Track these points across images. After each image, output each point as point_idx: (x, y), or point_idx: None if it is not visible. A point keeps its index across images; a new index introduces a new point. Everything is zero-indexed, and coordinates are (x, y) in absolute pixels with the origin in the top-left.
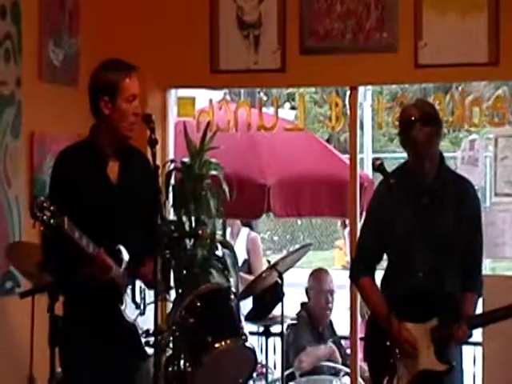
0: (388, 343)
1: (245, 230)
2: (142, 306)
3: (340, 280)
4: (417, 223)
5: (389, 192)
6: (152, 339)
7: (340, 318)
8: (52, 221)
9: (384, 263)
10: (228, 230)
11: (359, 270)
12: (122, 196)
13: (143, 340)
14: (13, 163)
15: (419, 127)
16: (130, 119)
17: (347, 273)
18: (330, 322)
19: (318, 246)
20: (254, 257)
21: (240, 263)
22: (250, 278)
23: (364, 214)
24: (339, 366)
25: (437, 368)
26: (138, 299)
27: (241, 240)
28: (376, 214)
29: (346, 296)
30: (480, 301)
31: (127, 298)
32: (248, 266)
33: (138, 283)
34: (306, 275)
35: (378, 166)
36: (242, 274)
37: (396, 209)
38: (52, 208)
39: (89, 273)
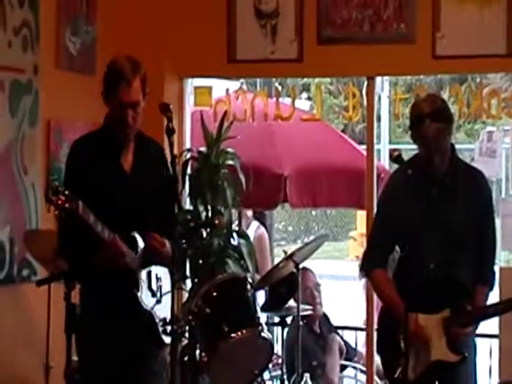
0: (401, 335)
1: (254, 225)
2: (158, 294)
3: (355, 271)
4: (429, 215)
5: (405, 183)
6: (169, 328)
7: (355, 309)
8: (67, 205)
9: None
10: None
11: (371, 261)
12: (136, 185)
13: (160, 328)
14: (29, 151)
15: (428, 123)
16: (118, 126)
17: None
18: (326, 316)
19: (333, 237)
20: (260, 255)
21: None
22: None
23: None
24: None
25: (449, 359)
26: (154, 287)
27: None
28: (389, 205)
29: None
30: (497, 293)
31: (143, 285)
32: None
33: (154, 271)
34: (321, 266)
35: (396, 157)
36: None
37: (409, 200)
38: (67, 192)
39: (103, 258)
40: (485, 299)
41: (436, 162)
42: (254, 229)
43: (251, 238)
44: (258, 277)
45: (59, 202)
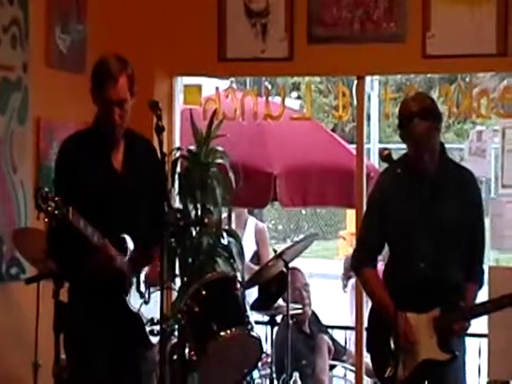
0: (391, 333)
1: (252, 220)
2: (146, 295)
3: None
4: (418, 213)
5: (394, 181)
6: (157, 328)
7: (343, 307)
8: (57, 211)
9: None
10: (233, 219)
11: (361, 260)
12: (126, 184)
13: (147, 329)
14: (19, 149)
15: (418, 122)
16: (106, 124)
17: None
18: (315, 315)
19: (322, 236)
20: (262, 248)
21: (250, 254)
22: (256, 267)
23: (366, 203)
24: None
25: (439, 358)
26: (142, 288)
27: (249, 230)
28: (378, 203)
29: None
30: (485, 292)
31: (132, 288)
32: (257, 257)
33: (143, 272)
34: (310, 265)
35: (385, 156)
36: (251, 265)
37: (399, 199)
38: (56, 199)
39: (93, 263)
40: (474, 298)
41: (425, 161)
42: (253, 224)
43: (252, 232)
44: (255, 267)
45: (49, 209)
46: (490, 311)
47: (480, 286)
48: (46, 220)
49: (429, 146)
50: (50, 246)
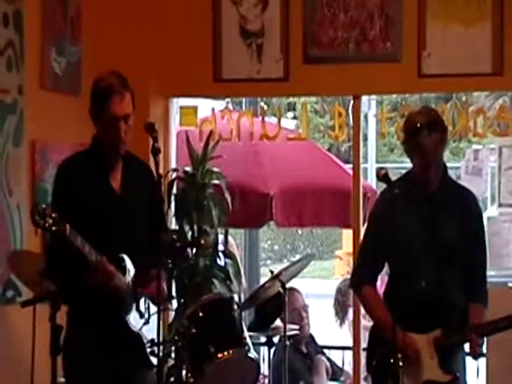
0: (391, 353)
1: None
2: (146, 315)
3: None
4: (420, 233)
5: (392, 201)
6: (157, 349)
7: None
8: (54, 228)
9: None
10: None
11: (361, 279)
12: (125, 205)
13: (148, 350)
14: (14, 171)
15: (426, 134)
16: (111, 141)
17: None
18: (312, 337)
19: (319, 256)
20: None
21: None
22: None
23: (366, 223)
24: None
25: (441, 379)
26: (142, 308)
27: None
28: (378, 223)
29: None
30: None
31: (132, 307)
32: None
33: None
34: (307, 285)
35: (382, 176)
36: None
37: (399, 218)
38: (53, 215)
39: (92, 280)
40: (482, 318)
41: (431, 174)
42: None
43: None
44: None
45: (46, 224)
46: (495, 332)
47: (485, 306)
48: (46, 233)
49: (436, 158)
50: (48, 262)
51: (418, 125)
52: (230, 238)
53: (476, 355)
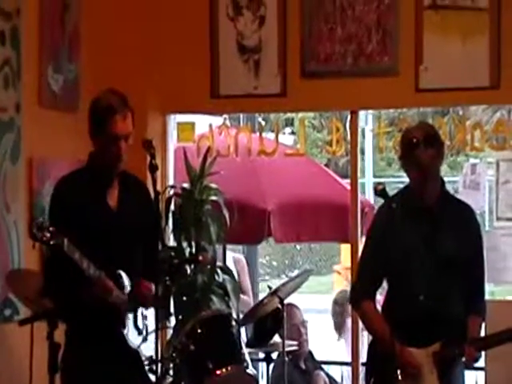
0: (391, 368)
1: (228, 253)
2: (144, 332)
3: None
4: (418, 247)
5: (390, 216)
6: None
7: (340, 343)
8: (52, 241)
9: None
10: None
11: (359, 294)
12: (122, 222)
13: (147, 367)
14: (12, 188)
15: (423, 149)
16: (110, 159)
17: None
18: (310, 353)
19: (317, 271)
20: (243, 277)
21: None
22: (245, 297)
23: (364, 238)
24: None
25: None
26: (140, 325)
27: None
28: (376, 238)
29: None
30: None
31: (129, 323)
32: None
33: (140, 309)
34: (305, 300)
35: (380, 191)
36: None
37: (397, 233)
38: (51, 229)
39: (90, 295)
40: (479, 330)
41: (429, 189)
42: (230, 256)
43: (231, 264)
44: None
45: (44, 238)
46: (494, 345)
47: (483, 319)
48: (44, 248)
49: (433, 173)
50: (45, 277)
51: (415, 140)
52: (240, 255)
53: (470, 366)
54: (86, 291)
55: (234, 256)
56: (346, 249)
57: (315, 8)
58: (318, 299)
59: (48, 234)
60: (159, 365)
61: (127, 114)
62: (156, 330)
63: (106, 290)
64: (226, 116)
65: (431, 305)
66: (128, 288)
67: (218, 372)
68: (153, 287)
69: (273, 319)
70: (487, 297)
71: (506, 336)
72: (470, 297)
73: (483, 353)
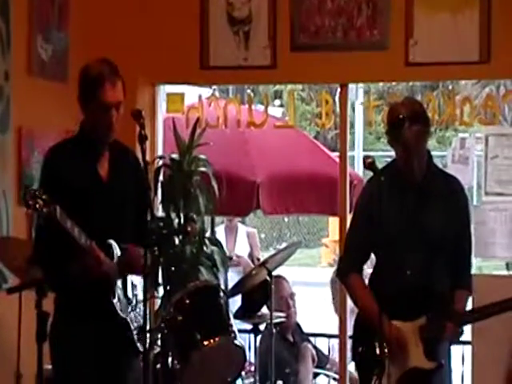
0: (377, 341)
1: (241, 226)
2: (134, 302)
3: (327, 277)
4: (406, 221)
5: (379, 190)
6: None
7: (327, 316)
8: (44, 209)
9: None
10: (223, 226)
11: (347, 267)
12: (112, 192)
13: (136, 336)
14: (0, 158)
15: (408, 126)
16: (102, 128)
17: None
18: (298, 325)
19: (305, 244)
20: (255, 250)
21: (246, 255)
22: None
23: (352, 211)
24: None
25: (425, 366)
26: (129, 294)
27: (241, 235)
28: (365, 211)
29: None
30: (469, 300)
31: (119, 292)
32: (251, 258)
33: (130, 278)
34: (293, 273)
35: (369, 164)
36: (249, 261)
37: (385, 206)
38: (44, 197)
39: (81, 265)
40: (465, 304)
41: (414, 166)
42: (243, 229)
43: (244, 237)
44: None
45: (37, 206)
46: (478, 319)
47: (469, 293)
48: (35, 216)
49: (418, 150)
50: (35, 246)
51: (400, 116)
52: (253, 229)
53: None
54: (77, 261)
55: (247, 230)
56: (334, 222)
57: None
58: (306, 272)
59: (41, 202)
60: (147, 335)
61: (117, 83)
62: (144, 300)
63: (96, 259)
64: (215, 87)
65: (417, 279)
66: (119, 257)
67: (206, 343)
68: (142, 252)
69: (261, 291)
70: (475, 271)
71: (494, 309)
72: (456, 271)
73: (470, 327)
